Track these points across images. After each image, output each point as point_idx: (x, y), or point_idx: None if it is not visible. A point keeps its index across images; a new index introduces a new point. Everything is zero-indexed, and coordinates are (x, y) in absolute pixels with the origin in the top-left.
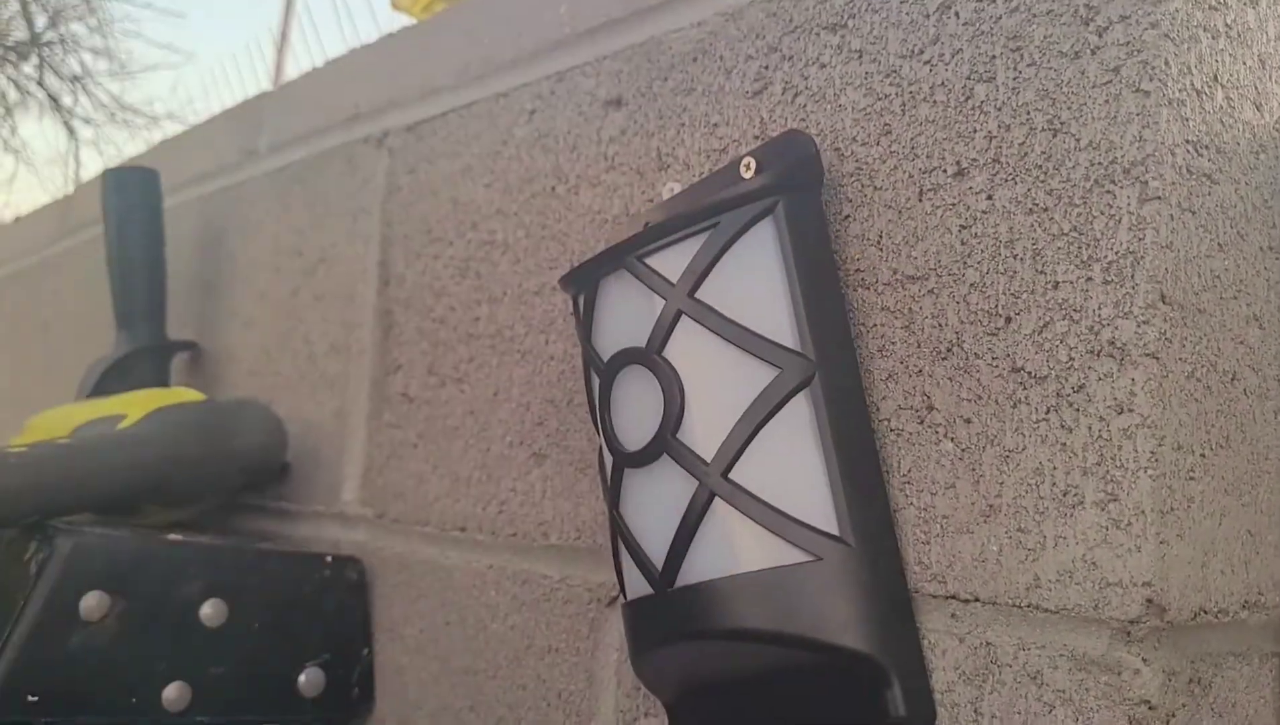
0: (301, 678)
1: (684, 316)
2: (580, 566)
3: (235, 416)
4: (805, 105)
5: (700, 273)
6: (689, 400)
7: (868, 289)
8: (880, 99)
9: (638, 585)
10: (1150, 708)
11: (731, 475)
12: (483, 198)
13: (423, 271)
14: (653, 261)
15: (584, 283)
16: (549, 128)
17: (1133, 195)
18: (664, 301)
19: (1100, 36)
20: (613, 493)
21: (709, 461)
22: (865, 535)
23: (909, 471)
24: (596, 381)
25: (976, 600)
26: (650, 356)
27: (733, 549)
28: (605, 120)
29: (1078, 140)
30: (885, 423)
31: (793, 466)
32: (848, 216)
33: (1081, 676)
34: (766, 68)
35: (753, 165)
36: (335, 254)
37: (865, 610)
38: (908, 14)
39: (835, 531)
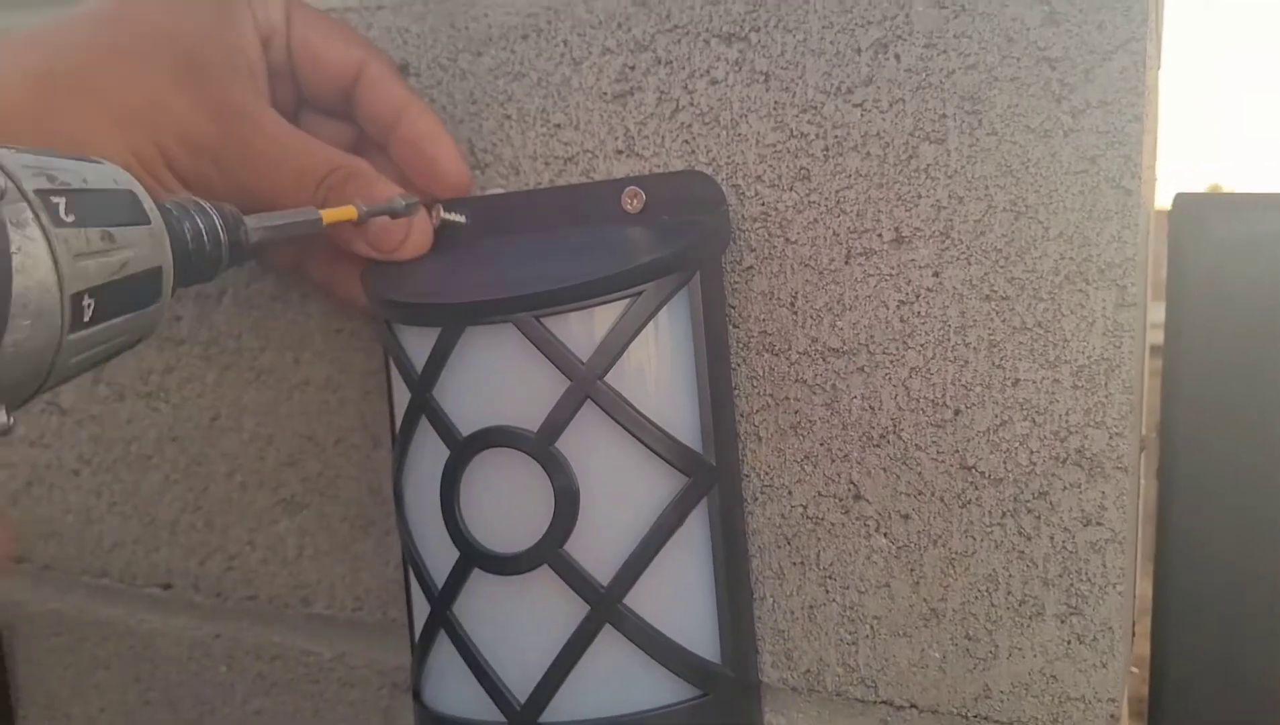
0: None
1: (590, 403)
2: (364, 644)
3: None
4: (690, 125)
5: (616, 352)
6: (584, 507)
7: (777, 356)
8: (795, 136)
9: (478, 709)
10: None
11: (626, 601)
12: None
13: None
14: (553, 325)
15: (441, 319)
16: None
17: (1109, 299)
18: (568, 382)
19: (1075, 119)
20: (448, 590)
21: (605, 585)
22: (742, 661)
23: (831, 565)
24: (431, 446)
25: (914, 707)
26: (543, 447)
27: (623, 685)
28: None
29: (1046, 229)
30: (801, 509)
31: (683, 588)
32: (751, 268)
33: None
34: (633, 68)
35: (641, 198)
36: None
37: None
38: (832, 43)
39: (719, 660)
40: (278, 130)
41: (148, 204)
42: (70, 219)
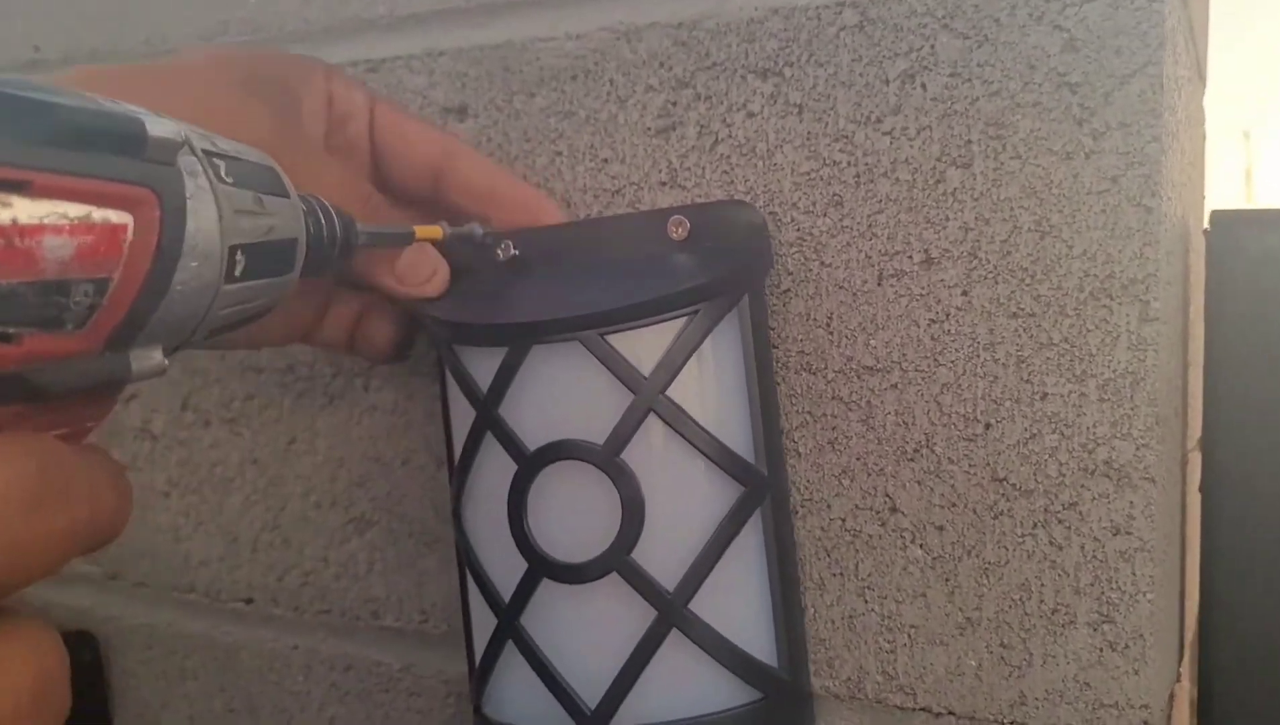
0: None
1: (653, 416)
2: (431, 655)
3: None
4: (729, 156)
5: (676, 367)
6: (650, 515)
7: (814, 374)
8: (828, 165)
9: (547, 716)
10: None
11: (691, 605)
12: None
13: None
14: (616, 342)
15: (507, 338)
16: None
17: (1133, 314)
18: (633, 396)
19: (1096, 141)
20: (516, 601)
21: (671, 590)
22: (797, 666)
23: (869, 575)
24: (497, 462)
25: (951, 714)
26: (609, 458)
27: (689, 688)
28: (444, 130)
29: (1070, 247)
30: (839, 522)
31: (742, 594)
32: (788, 291)
33: None
34: (675, 104)
35: (686, 226)
36: None
37: None
38: (861, 75)
39: (776, 664)
40: (322, 161)
41: (288, 182)
42: (230, 179)
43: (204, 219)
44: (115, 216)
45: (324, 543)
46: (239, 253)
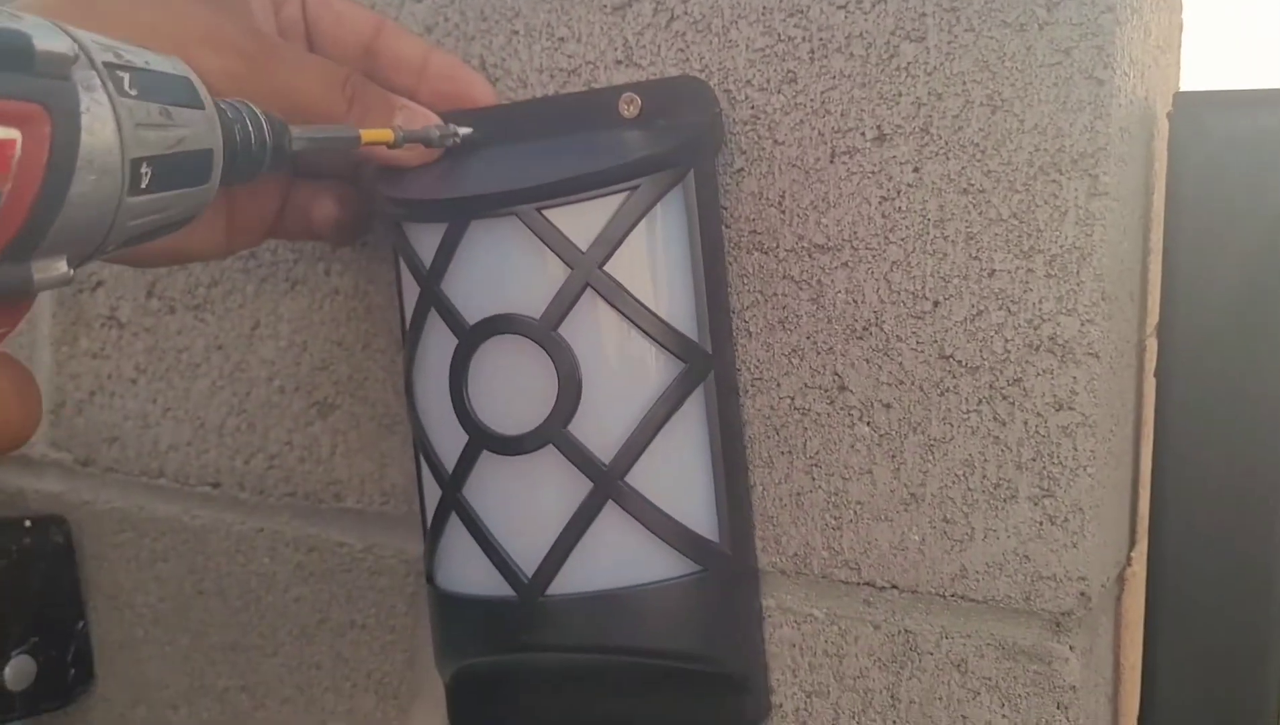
0: (6, 671)
1: (590, 291)
2: (392, 535)
3: None
4: (684, 34)
5: (615, 243)
6: (586, 389)
7: (766, 254)
8: (783, 41)
9: (488, 586)
10: (1075, 691)
11: (627, 478)
12: None
13: None
14: (554, 217)
15: (447, 214)
16: None
17: (1081, 188)
18: (569, 270)
19: (1050, 12)
20: (459, 473)
21: (607, 463)
22: (740, 542)
23: (817, 453)
24: (440, 337)
25: (894, 588)
26: (546, 332)
27: (626, 560)
28: (402, 11)
29: (1021, 121)
30: (789, 401)
31: (682, 469)
32: (741, 170)
33: (1010, 665)
34: None
35: (637, 104)
36: None
37: (743, 622)
38: None
39: (717, 539)
40: (292, 46)
41: (203, 92)
42: (134, 92)
43: (100, 133)
44: (1, 132)
45: (288, 426)
46: (144, 165)
